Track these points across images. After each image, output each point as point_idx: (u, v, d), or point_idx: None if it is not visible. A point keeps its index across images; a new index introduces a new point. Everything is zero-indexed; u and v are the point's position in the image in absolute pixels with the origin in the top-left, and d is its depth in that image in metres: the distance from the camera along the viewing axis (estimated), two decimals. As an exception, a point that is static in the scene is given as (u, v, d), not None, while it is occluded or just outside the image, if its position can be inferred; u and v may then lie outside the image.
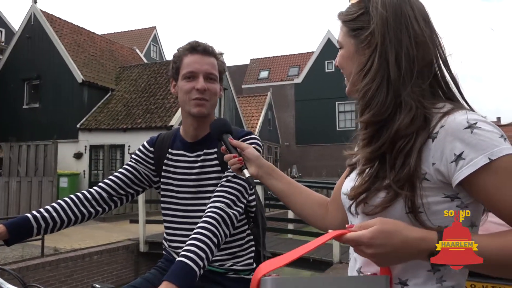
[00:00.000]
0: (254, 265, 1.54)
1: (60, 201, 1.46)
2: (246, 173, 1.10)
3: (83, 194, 1.48)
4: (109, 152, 14.60)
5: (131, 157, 1.61)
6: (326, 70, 25.61)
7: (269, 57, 31.82)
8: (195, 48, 1.47)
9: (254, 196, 1.54)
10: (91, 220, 1.55)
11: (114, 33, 30.10)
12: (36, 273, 6.31)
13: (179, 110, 13.33)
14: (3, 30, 23.36)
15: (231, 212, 1.29)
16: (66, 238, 7.96)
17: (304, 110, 26.61)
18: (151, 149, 1.58)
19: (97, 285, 1.38)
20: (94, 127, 14.84)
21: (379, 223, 0.75)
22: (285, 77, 29.34)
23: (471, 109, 0.84)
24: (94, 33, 18.50)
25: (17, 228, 1.34)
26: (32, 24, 16.02)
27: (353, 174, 0.93)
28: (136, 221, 8.37)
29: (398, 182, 0.80)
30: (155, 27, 31.17)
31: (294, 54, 31.18)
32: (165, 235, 1.58)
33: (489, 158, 0.73)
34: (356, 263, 0.92)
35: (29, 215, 1.39)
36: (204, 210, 1.32)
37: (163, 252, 1.62)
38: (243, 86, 29.65)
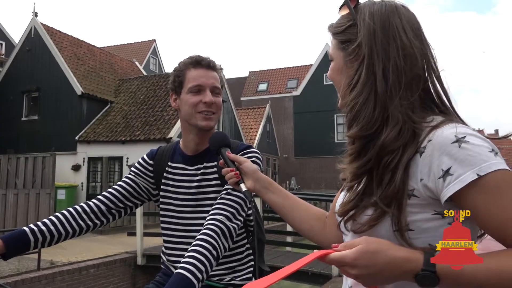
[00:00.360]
0: (253, 279, 1.52)
1: (58, 214, 1.45)
2: (243, 187, 1.09)
3: (81, 207, 1.47)
4: (108, 164, 14.57)
5: (130, 170, 1.60)
6: (325, 83, 25.75)
7: (267, 70, 32.02)
8: (200, 62, 1.48)
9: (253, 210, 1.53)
10: (88, 232, 1.54)
11: (113, 45, 30.31)
12: (32, 286, 6.23)
13: (178, 122, 13.30)
14: (4, 43, 23.50)
15: (231, 225, 1.28)
16: (62, 251, 7.89)
17: (303, 123, 26.67)
18: (151, 162, 1.57)
19: None
20: (92, 139, 14.83)
21: (364, 242, 0.73)
22: (284, 89, 29.48)
23: (463, 122, 0.82)
24: (93, 45, 18.62)
25: (14, 242, 1.33)
26: (33, 37, 16.14)
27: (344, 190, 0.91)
28: (134, 234, 8.31)
29: (384, 199, 0.78)
30: (154, 40, 31.40)
31: (293, 67, 31.38)
32: (163, 248, 1.56)
33: (477, 174, 0.70)
34: (347, 281, 0.90)
35: (26, 228, 1.37)
36: (203, 223, 1.31)
37: (161, 266, 1.60)
38: (241, 99, 29.76)
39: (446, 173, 0.72)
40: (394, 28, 0.83)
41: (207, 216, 1.32)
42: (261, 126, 22.67)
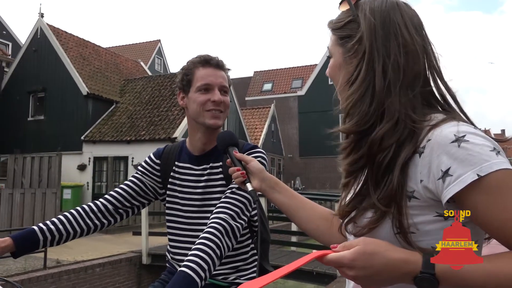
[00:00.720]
0: None
1: (66, 213, 1.47)
2: (249, 186, 1.08)
3: (89, 207, 1.48)
4: (113, 164, 14.64)
5: (137, 169, 1.60)
6: (330, 83, 25.62)
7: (272, 70, 32.00)
8: (209, 61, 1.49)
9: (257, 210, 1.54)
10: (96, 232, 1.55)
11: (119, 46, 30.43)
12: (38, 285, 6.28)
13: (183, 122, 13.33)
14: (10, 44, 23.66)
15: (235, 224, 1.28)
16: (68, 250, 7.94)
17: (308, 122, 26.63)
18: (157, 161, 1.58)
19: None
20: (98, 139, 14.90)
21: (361, 243, 0.71)
22: (289, 89, 29.45)
23: (469, 120, 0.80)
24: (99, 46, 18.71)
25: (23, 241, 1.35)
26: (39, 38, 16.24)
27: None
28: (139, 233, 8.34)
29: (383, 200, 0.76)
30: (159, 40, 31.48)
31: (298, 67, 31.34)
32: (168, 247, 1.57)
33: (477, 175, 0.68)
34: (350, 282, 0.89)
35: (35, 227, 1.39)
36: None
37: (167, 264, 1.61)
38: (246, 98, 29.76)
39: (446, 173, 0.70)
40: (395, 24, 0.81)
41: (212, 214, 1.32)
42: (265, 126, 22.66)
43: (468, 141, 0.70)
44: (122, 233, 10.63)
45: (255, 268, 1.53)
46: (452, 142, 0.71)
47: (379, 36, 0.81)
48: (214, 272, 1.40)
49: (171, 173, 1.54)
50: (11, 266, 6.67)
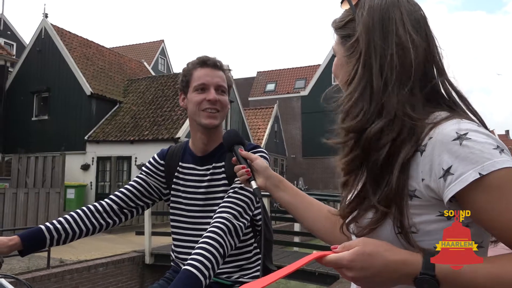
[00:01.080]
0: None
1: (72, 213, 1.49)
2: (254, 184, 1.08)
3: (94, 207, 1.51)
4: (116, 164, 14.68)
5: (142, 170, 1.62)
6: (333, 83, 25.50)
7: (275, 70, 32.00)
8: (206, 62, 1.51)
9: (260, 209, 1.54)
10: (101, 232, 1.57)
11: (122, 46, 30.52)
12: (42, 284, 6.31)
13: (186, 122, 13.40)
14: (14, 44, 23.79)
15: (237, 223, 1.30)
16: (72, 250, 7.96)
17: (311, 123, 26.60)
18: (162, 161, 1.60)
19: None
20: (101, 139, 14.95)
21: (361, 244, 0.71)
22: (292, 89, 29.44)
23: (477, 117, 0.78)
24: (103, 46, 18.78)
25: (31, 239, 1.38)
26: (43, 38, 16.32)
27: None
28: (142, 233, 8.36)
29: (383, 201, 0.75)
30: (163, 41, 31.56)
31: (301, 67, 31.33)
32: (173, 246, 1.59)
33: (479, 173, 0.66)
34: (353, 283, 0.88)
35: (42, 226, 1.42)
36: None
37: (171, 263, 1.62)
38: (249, 99, 29.77)
39: (447, 172, 0.69)
40: (393, 22, 0.79)
41: (215, 214, 1.33)
42: (269, 126, 22.66)
43: (470, 139, 0.68)
44: (125, 232, 10.65)
45: (258, 267, 1.54)
46: (454, 140, 0.69)
47: (376, 34, 0.79)
48: (218, 271, 1.41)
49: (175, 174, 1.56)
50: (14, 265, 6.70)
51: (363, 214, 0.79)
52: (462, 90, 0.81)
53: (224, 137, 1.24)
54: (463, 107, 0.80)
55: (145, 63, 22.20)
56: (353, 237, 0.85)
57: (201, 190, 1.51)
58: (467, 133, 0.69)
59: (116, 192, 1.56)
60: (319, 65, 28.24)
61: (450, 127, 0.71)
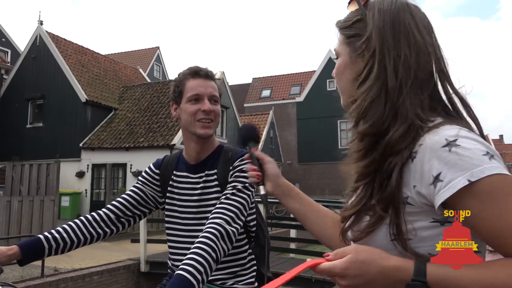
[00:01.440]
0: (256, 284, 1.55)
1: (70, 223, 1.52)
2: (262, 190, 1.06)
3: (92, 216, 1.54)
4: (111, 171, 14.61)
5: (138, 179, 1.66)
6: (328, 89, 25.76)
7: (271, 76, 32.10)
8: (198, 72, 1.54)
9: (254, 216, 1.55)
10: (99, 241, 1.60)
11: (118, 53, 30.53)
12: (35, 293, 6.23)
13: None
14: (9, 51, 23.73)
15: (230, 228, 1.31)
16: (66, 258, 7.89)
17: (306, 129, 26.67)
18: (157, 171, 1.63)
19: None
20: (96, 146, 14.89)
21: (354, 251, 0.71)
22: (287, 95, 29.52)
23: (478, 125, 0.78)
24: (98, 53, 18.76)
25: (30, 249, 1.39)
26: (38, 45, 16.29)
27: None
28: (137, 241, 8.30)
29: (381, 203, 0.75)
30: (158, 47, 31.59)
31: (296, 73, 31.45)
32: (169, 254, 1.61)
33: (468, 180, 0.66)
34: None
35: (41, 236, 1.44)
36: None
37: (168, 270, 1.64)
38: (245, 105, 29.82)
39: (436, 179, 0.69)
40: (406, 24, 0.80)
41: (207, 220, 1.35)
42: (264, 132, 22.68)
43: (459, 145, 0.68)
44: (120, 240, 10.57)
45: (253, 273, 1.56)
46: (443, 146, 0.69)
47: (389, 35, 0.79)
48: (212, 277, 1.43)
49: (170, 182, 1.59)
50: (8, 274, 6.62)
51: (361, 217, 0.80)
52: (466, 96, 0.81)
53: (240, 130, 1.22)
54: (464, 112, 0.80)
55: (140, 70, 22.20)
56: (351, 242, 0.85)
57: (194, 198, 1.53)
58: (456, 139, 0.69)
59: (113, 202, 1.59)
60: (314, 71, 28.36)
61: (441, 133, 0.71)
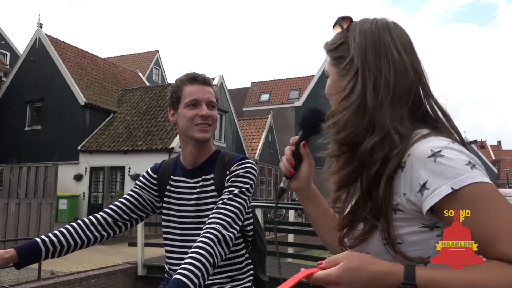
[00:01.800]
0: None
1: (67, 226, 1.52)
2: (284, 182, 1.01)
3: (89, 219, 1.54)
4: (109, 174, 14.59)
5: (135, 184, 1.67)
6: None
7: (270, 81, 32.19)
8: (196, 78, 1.56)
9: (251, 220, 1.56)
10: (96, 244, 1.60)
11: (117, 56, 30.59)
12: (32, 297, 6.20)
13: (180, 132, 13.58)
14: (8, 54, 23.75)
15: (227, 233, 1.32)
16: (63, 261, 7.85)
17: (305, 133, 26.66)
18: (155, 175, 1.64)
19: None
20: (95, 149, 14.88)
21: (346, 259, 0.75)
22: (286, 100, 29.59)
23: (459, 135, 0.83)
24: (97, 56, 18.80)
25: (26, 252, 1.39)
26: (37, 48, 16.32)
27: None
28: (135, 244, 8.27)
29: (372, 213, 0.80)
30: (157, 51, 31.67)
31: (295, 78, 31.55)
32: (166, 258, 1.61)
33: (452, 188, 0.71)
34: None
35: (37, 239, 1.44)
36: None
37: (165, 274, 1.64)
38: (244, 109, 29.87)
39: (423, 187, 0.74)
40: (386, 45, 0.85)
41: (204, 225, 1.36)
42: (263, 137, 22.71)
43: (443, 156, 0.74)
44: (118, 244, 10.54)
45: (250, 278, 1.56)
46: (429, 157, 0.75)
47: (369, 56, 0.85)
48: (209, 282, 1.43)
49: (167, 187, 1.60)
50: (4, 277, 6.59)
51: (355, 226, 0.84)
52: (446, 108, 0.87)
53: (304, 113, 1.03)
54: (446, 124, 0.85)
55: (139, 73, 22.24)
56: (347, 250, 0.88)
57: (191, 202, 1.54)
58: (440, 150, 0.75)
59: (111, 205, 1.59)
60: (313, 76, 28.46)
61: (426, 144, 0.77)
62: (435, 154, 0.74)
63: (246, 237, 1.56)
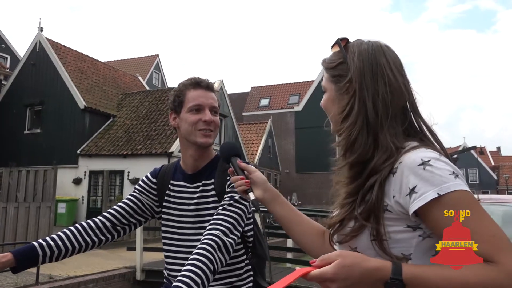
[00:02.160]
0: None
1: (65, 230, 1.51)
2: (251, 195, 1.09)
3: (87, 224, 1.53)
4: (109, 178, 14.57)
5: (135, 188, 1.66)
6: (326, 99, 25.86)
7: (269, 85, 32.25)
8: (199, 83, 1.56)
9: (252, 226, 1.55)
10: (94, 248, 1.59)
11: (117, 60, 30.63)
12: (29, 301, 6.16)
13: (180, 136, 13.60)
14: (9, 57, 23.79)
15: (227, 240, 1.31)
16: (61, 266, 7.82)
17: (304, 138, 26.71)
18: (154, 180, 1.63)
19: None
20: (94, 153, 14.87)
21: (340, 257, 0.81)
22: (286, 105, 29.63)
23: (442, 147, 0.93)
24: (97, 60, 18.83)
25: (24, 256, 1.38)
26: (37, 51, 16.35)
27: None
28: (133, 249, 8.24)
29: (363, 213, 0.89)
30: (157, 55, 31.73)
31: (295, 83, 31.60)
32: (165, 263, 1.60)
33: (437, 193, 0.80)
34: None
35: (35, 243, 1.42)
36: None
37: (164, 280, 1.63)
38: (243, 114, 29.89)
39: (412, 191, 0.84)
40: (382, 67, 0.94)
41: (205, 231, 1.35)
42: (262, 141, 22.71)
43: (432, 165, 0.84)
44: (116, 248, 10.50)
45: (250, 284, 1.55)
46: (419, 165, 0.85)
47: (367, 77, 0.94)
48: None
49: (167, 191, 1.59)
50: (2, 281, 6.56)
51: (346, 223, 0.93)
52: (431, 124, 0.97)
53: (221, 148, 1.25)
54: (431, 138, 0.95)
55: (139, 78, 22.27)
56: (336, 246, 0.98)
57: (191, 207, 1.53)
58: (429, 160, 0.85)
59: (109, 210, 1.58)
60: (313, 81, 28.51)
61: (417, 154, 0.87)
62: (424, 163, 0.84)
63: (247, 243, 1.55)
